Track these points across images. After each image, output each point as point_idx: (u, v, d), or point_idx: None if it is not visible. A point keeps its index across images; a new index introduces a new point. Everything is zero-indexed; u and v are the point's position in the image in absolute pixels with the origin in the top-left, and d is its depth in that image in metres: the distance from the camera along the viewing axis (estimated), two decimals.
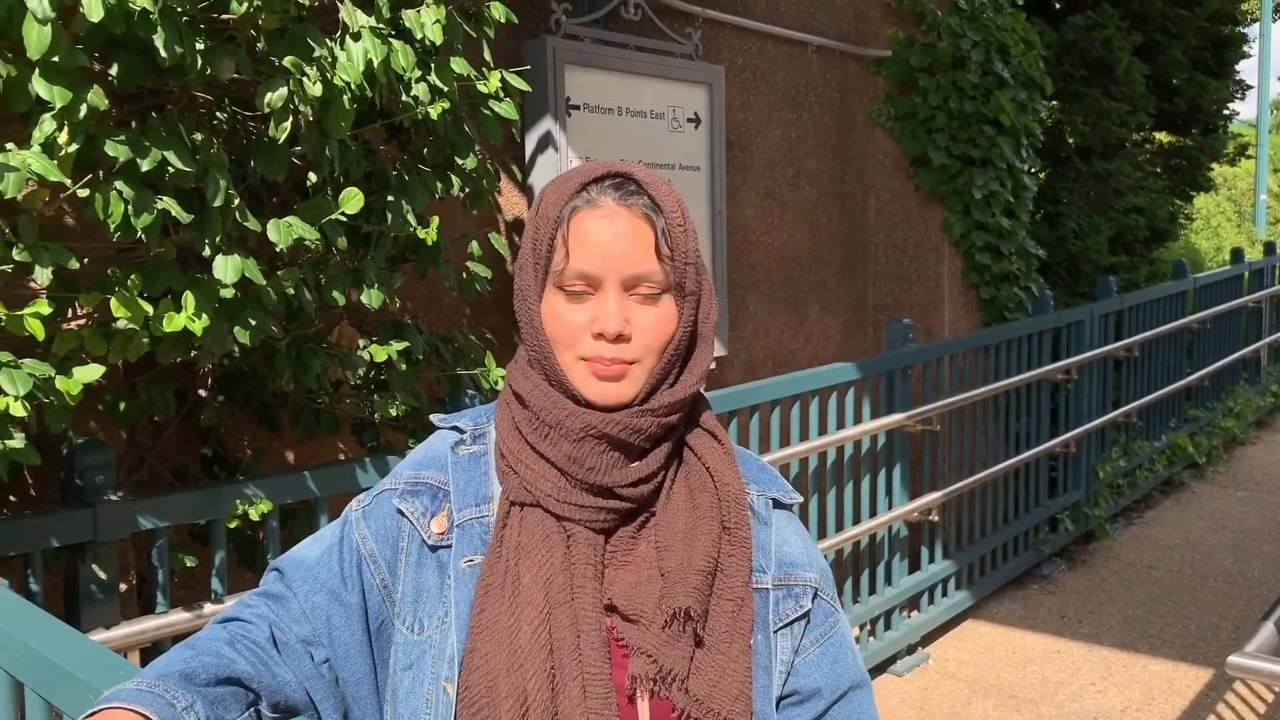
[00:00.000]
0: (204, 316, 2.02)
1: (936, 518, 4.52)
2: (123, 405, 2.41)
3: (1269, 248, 8.85)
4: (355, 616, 1.11)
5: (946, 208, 5.23)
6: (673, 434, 1.11)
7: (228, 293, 2.07)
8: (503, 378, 1.15)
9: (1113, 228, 7.26)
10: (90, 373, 1.95)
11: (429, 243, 2.57)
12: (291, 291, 2.23)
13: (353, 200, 2.25)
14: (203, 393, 2.73)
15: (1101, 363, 5.80)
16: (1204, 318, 7.18)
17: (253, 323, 2.15)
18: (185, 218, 1.98)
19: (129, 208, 1.90)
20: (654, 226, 1.07)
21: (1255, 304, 8.18)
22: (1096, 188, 7.30)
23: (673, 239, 1.07)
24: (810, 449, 3.83)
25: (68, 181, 1.87)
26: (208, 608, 2.32)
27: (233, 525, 2.39)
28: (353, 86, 2.17)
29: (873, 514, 4.24)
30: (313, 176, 2.40)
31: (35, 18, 1.72)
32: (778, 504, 1.17)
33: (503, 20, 2.64)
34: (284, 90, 2.07)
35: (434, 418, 1.21)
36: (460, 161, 2.60)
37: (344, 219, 2.27)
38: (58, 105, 1.78)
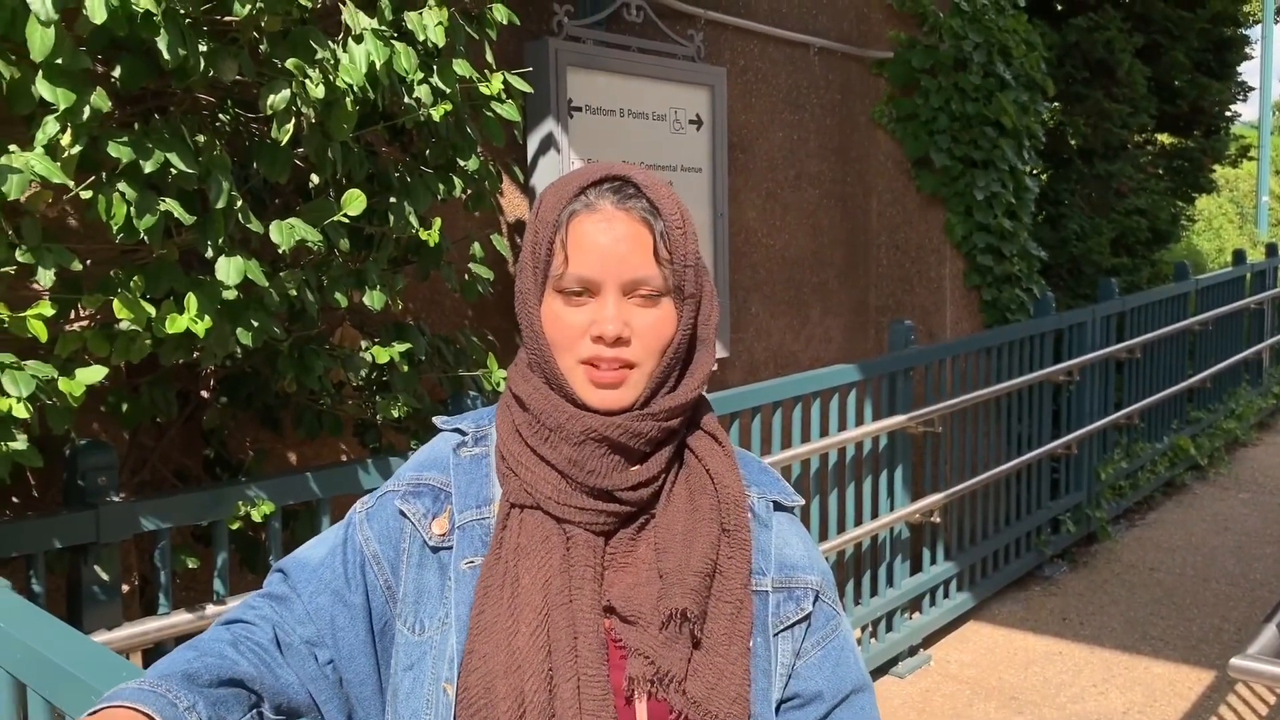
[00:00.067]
0: (206, 318, 2.02)
1: (938, 519, 4.52)
2: (125, 406, 2.41)
3: (1271, 249, 8.84)
4: (359, 617, 1.11)
5: (948, 209, 5.23)
6: (674, 437, 1.11)
7: (230, 294, 2.07)
8: (504, 379, 1.15)
9: (1114, 229, 7.26)
10: (93, 374, 1.95)
11: (431, 244, 2.57)
12: (294, 293, 2.23)
13: (355, 202, 2.25)
14: (205, 394, 2.74)
15: (1103, 364, 5.80)
16: (1206, 319, 7.17)
17: (255, 324, 2.15)
18: (188, 219, 1.98)
19: (132, 209, 1.90)
20: (652, 230, 1.07)
21: (1257, 306, 8.17)
22: (1098, 189, 7.30)
23: (671, 242, 1.07)
24: (812, 450, 3.83)
25: (71, 183, 1.87)
26: (210, 609, 2.32)
27: (235, 527, 2.39)
28: (355, 88, 2.18)
29: (874, 515, 4.23)
30: (315, 178, 2.40)
31: (38, 20, 1.72)
32: (779, 506, 1.17)
33: (505, 22, 2.65)
34: (286, 92, 2.07)
35: (437, 420, 1.21)
36: (462, 163, 2.61)
37: (346, 220, 2.27)
38: (61, 107, 1.78)
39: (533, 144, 3.67)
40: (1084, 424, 5.60)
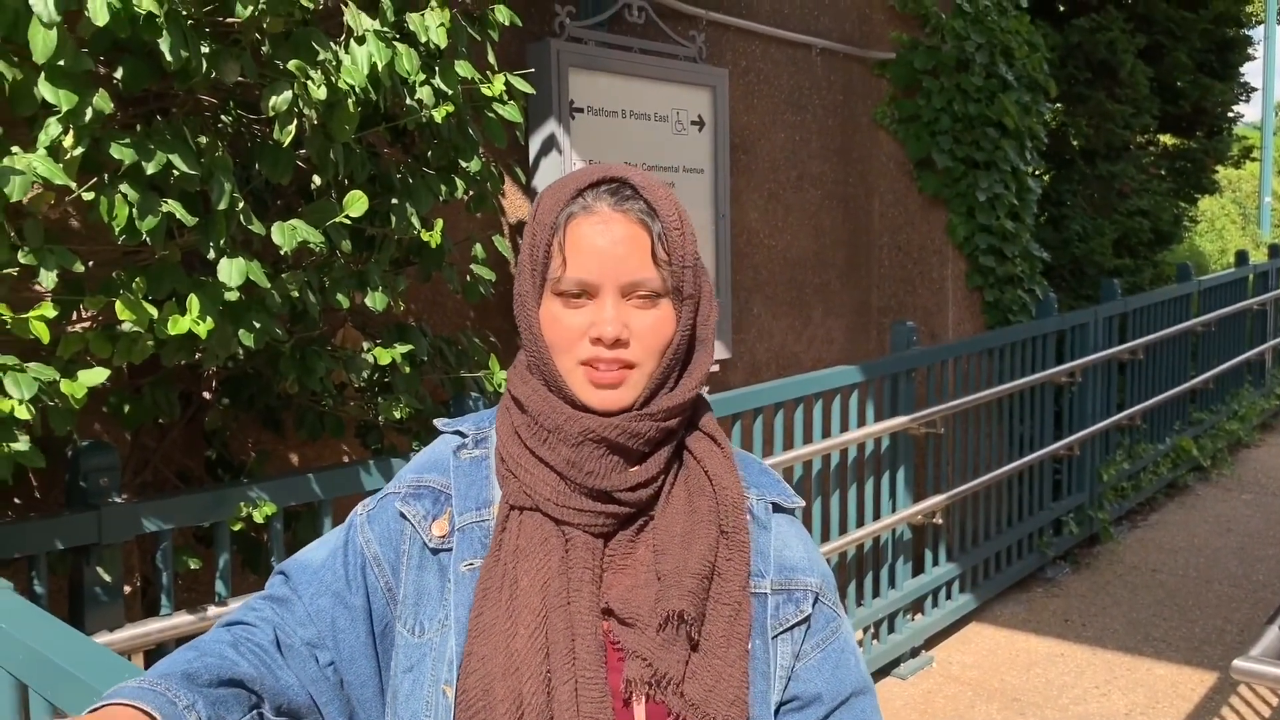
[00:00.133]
0: (208, 319, 2.02)
1: (940, 520, 4.52)
2: (127, 408, 2.41)
3: (1273, 250, 8.83)
4: (360, 619, 1.11)
5: (950, 210, 5.23)
6: (672, 438, 1.11)
7: (232, 295, 2.07)
8: (506, 380, 1.15)
9: (1117, 230, 7.25)
10: (95, 375, 1.95)
11: (433, 245, 2.58)
12: (296, 294, 2.23)
13: (357, 203, 2.25)
14: (207, 395, 2.74)
15: (1106, 365, 5.79)
16: (1208, 320, 7.17)
17: (257, 325, 2.15)
18: (190, 221, 1.99)
19: (134, 211, 1.91)
20: (650, 231, 1.07)
21: (1260, 306, 8.17)
22: (1101, 190, 7.30)
23: (669, 243, 1.07)
24: (813, 452, 3.82)
25: (73, 184, 1.87)
26: (212, 610, 2.32)
27: (237, 528, 2.39)
28: (357, 90, 2.18)
29: (876, 517, 4.23)
30: (317, 179, 2.40)
31: (41, 21, 1.73)
32: (778, 508, 1.17)
33: (506, 23, 2.65)
34: (288, 93, 2.07)
35: (438, 422, 1.21)
36: (464, 164, 2.61)
37: (348, 222, 2.27)
38: (63, 109, 1.79)
39: (535, 145, 3.67)
40: (1086, 425, 5.59)
